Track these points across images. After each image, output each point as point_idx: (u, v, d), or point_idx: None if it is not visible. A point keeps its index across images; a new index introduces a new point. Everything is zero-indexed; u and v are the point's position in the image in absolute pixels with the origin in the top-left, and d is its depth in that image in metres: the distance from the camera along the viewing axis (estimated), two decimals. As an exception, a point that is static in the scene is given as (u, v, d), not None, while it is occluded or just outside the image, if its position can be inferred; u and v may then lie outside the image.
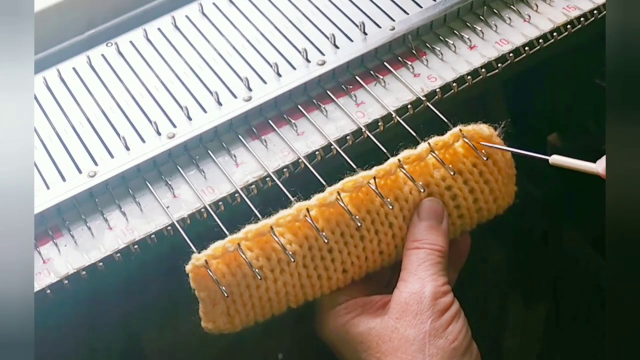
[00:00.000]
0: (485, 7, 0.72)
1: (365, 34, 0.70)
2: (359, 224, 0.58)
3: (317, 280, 0.59)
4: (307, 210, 0.57)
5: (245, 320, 0.58)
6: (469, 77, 0.67)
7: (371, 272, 0.61)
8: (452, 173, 0.60)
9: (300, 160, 0.63)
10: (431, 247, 0.58)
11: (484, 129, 0.61)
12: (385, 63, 0.69)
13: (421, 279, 0.57)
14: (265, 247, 0.57)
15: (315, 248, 0.58)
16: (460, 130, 0.60)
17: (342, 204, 0.58)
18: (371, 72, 0.69)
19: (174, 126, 0.66)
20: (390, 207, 0.59)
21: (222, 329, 0.57)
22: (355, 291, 0.60)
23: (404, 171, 0.59)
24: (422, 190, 0.59)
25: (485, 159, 0.60)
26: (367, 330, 0.57)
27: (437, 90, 0.66)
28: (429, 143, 0.60)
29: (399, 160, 0.59)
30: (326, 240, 0.57)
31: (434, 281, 0.57)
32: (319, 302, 0.60)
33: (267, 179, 0.63)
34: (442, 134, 0.61)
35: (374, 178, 0.59)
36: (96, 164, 0.64)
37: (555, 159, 0.57)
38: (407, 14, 0.72)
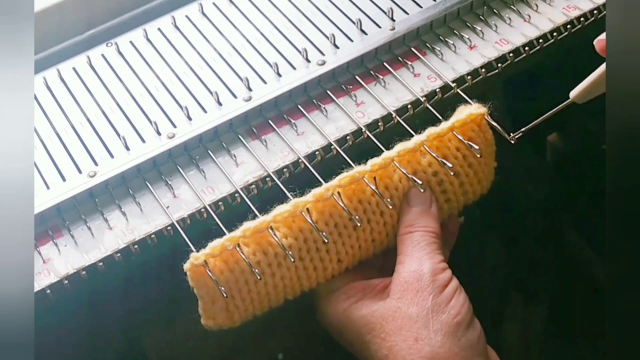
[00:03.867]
0: (485, 7, 0.72)
1: (365, 33, 0.70)
2: (359, 224, 0.58)
3: (313, 272, 0.59)
4: (308, 210, 0.58)
5: (244, 314, 0.58)
6: (469, 77, 0.67)
7: (364, 259, 0.62)
8: (452, 173, 0.61)
9: (300, 160, 0.63)
10: (424, 230, 0.59)
11: (477, 110, 0.62)
12: (385, 63, 0.69)
13: (418, 259, 0.58)
14: (261, 242, 0.57)
15: (311, 240, 0.58)
16: (453, 125, 0.61)
17: (341, 203, 0.58)
18: (371, 72, 0.69)
19: (174, 126, 0.66)
20: (390, 207, 0.59)
21: (221, 325, 0.58)
22: (351, 276, 0.61)
23: (399, 166, 0.60)
24: (419, 183, 0.60)
25: (479, 156, 0.61)
26: (370, 313, 0.57)
27: (437, 90, 0.66)
28: (427, 136, 0.61)
29: (392, 156, 0.60)
30: (326, 241, 0.58)
31: (431, 259, 0.58)
32: (317, 292, 0.61)
33: (267, 179, 0.63)
34: None
35: (374, 178, 0.59)
36: (96, 164, 0.64)
37: (574, 94, 0.59)
38: (407, 14, 0.72)
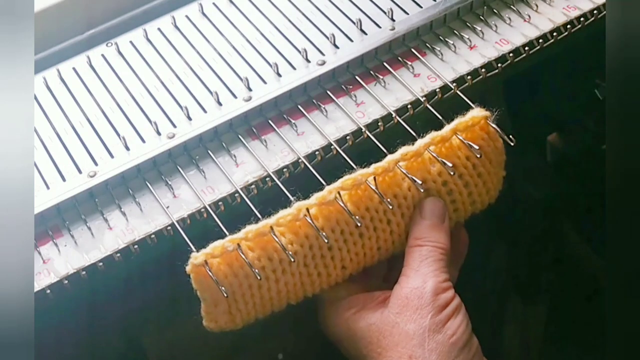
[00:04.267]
0: (485, 7, 0.72)
1: (365, 33, 0.70)
2: (359, 224, 0.58)
3: (317, 278, 0.59)
4: (307, 210, 0.58)
5: (247, 318, 0.58)
6: (469, 77, 0.67)
7: (368, 267, 0.61)
8: (452, 173, 0.60)
9: (300, 160, 0.63)
10: (434, 245, 0.59)
11: (479, 113, 0.61)
12: (385, 63, 0.69)
13: (423, 275, 0.57)
14: (266, 248, 0.57)
15: (316, 247, 0.58)
16: (456, 127, 0.61)
17: (342, 204, 0.58)
18: (371, 72, 0.69)
19: (174, 126, 0.66)
20: (390, 207, 0.59)
21: (223, 328, 0.58)
22: (355, 286, 0.61)
23: (403, 170, 0.59)
24: (422, 190, 0.60)
25: (478, 156, 0.60)
26: (367, 326, 0.57)
27: (437, 90, 0.66)
28: (430, 139, 0.60)
29: (396, 159, 0.59)
30: (326, 241, 0.58)
31: (436, 277, 0.57)
32: (321, 299, 0.60)
33: (267, 179, 0.63)
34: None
35: (374, 178, 0.59)
36: (96, 164, 0.64)
37: None
38: (407, 14, 0.72)
